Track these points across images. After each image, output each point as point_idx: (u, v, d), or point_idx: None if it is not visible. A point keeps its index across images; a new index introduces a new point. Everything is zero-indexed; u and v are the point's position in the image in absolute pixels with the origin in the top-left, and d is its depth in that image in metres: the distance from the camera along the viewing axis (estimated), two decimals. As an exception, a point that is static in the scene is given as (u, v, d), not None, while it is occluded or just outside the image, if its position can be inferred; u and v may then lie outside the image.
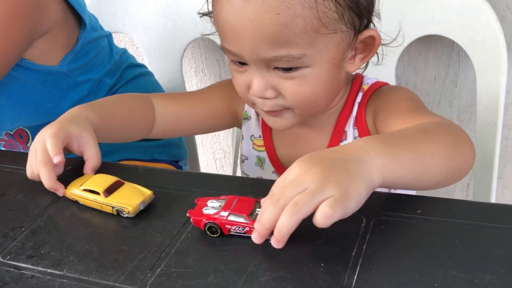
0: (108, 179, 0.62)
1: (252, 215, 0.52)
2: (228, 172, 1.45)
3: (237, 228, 0.52)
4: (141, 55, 1.21)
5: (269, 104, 0.66)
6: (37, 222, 0.60)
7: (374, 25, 0.68)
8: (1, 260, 0.55)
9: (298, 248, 0.50)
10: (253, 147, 0.81)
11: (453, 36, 0.91)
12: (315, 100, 0.66)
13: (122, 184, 0.62)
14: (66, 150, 0.66)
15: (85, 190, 0.62)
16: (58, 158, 0.62)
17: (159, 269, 0.51)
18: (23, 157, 0.71)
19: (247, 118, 0.81)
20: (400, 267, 0.46)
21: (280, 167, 0.78)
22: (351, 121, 0.72)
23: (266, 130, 0.79)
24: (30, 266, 0.54)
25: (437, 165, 0.54)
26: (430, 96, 1.10)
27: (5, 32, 0.80)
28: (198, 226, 0.55)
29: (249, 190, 0.60)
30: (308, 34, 0.59)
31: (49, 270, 0.53)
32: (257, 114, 0.79)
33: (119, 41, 1.31)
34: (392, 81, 0.98)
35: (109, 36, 0.99)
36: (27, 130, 0.97)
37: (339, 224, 0.52)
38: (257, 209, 0.53)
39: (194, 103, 0.81)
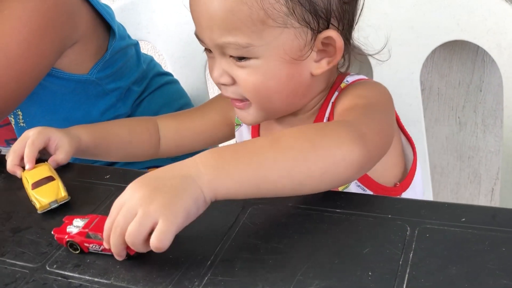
0: (43, 173, 0.68)
1: None
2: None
3: (94, 246, 0.56)
4: (164, 62, 1.22)
5: (229, 91, 0.68)
6: (80, 231, 0.61)
7: (336, 28, 0.64)
8: (48, 268, 0.56)
9: (344, 257, 0.51)
10: None
11: (478, 42, 0.91)
12: (268, 94, 0.66)
13: (52, 181, 0.67)
14: (44, 150, 0.74)
15: (25, 177, 0.68)
16: (29, 166, 0.70)
17: (206, 278, 0.51)
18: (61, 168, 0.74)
19: (239, 124, 0.83)
20: (449, 276, 0.46)
21: None
22: (325, 121, 0.71)
23: (255, 135, 0.80)
24: (77, 275, 0.54)
25: (282, 172, 0.53)
26: (454, 101, 1.10)
27: (36, 43, 0.81)
28: (61, 243, 0.58)
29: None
30: (254, 24, 0.60)
31: (96, 279, 0.54)
32: None
33: (142, 49, 1.31)
34: (416, 87, 0.98)
35: (136, 44, 1.00)
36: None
37: (384, 233, 0.53)
38: None
39: (191, 117, 0.86)
